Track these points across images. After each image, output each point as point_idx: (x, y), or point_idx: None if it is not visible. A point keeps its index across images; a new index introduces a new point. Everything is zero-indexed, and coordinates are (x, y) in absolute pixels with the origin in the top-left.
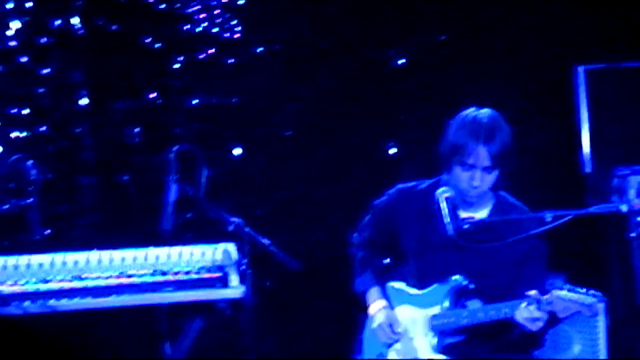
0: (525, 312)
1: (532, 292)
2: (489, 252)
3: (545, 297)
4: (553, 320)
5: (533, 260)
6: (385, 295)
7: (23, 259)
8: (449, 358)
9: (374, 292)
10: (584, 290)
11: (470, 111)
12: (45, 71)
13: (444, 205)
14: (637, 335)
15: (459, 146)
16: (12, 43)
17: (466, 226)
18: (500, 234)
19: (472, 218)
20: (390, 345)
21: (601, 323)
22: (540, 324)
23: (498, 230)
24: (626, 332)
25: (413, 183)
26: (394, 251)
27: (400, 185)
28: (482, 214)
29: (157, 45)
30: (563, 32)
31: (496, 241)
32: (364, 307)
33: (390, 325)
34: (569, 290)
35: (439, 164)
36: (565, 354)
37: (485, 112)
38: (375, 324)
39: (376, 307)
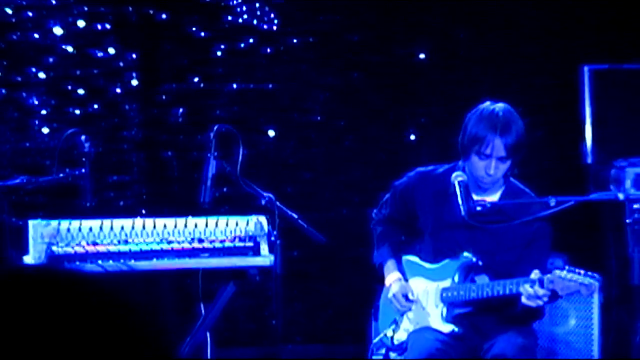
0: (530, 291)
1: (535, 272)
2: (498, 232)
3: (548, 276)
4: (553, 296)
5: (537, 241)
6: (400, 268)
7: (75, 223)
8: (456, 327)
9: (390, 265)
10: (583, 271)
11: (487, 105)
12: (99, 55)
13: (457, 189)
14: (628, 312)
15: (478, 137)
16: (72, 29)
17: (479, 208)
18: (508, 216)
19: (484, 201)
20: (403, 314)
21: (596, 300)
22: (542, 302)
23: (507, 213)
24: (619, 309)
25: (431, 167)
26: (410, 228)
27: (419, 169)
28: (493, 198)
29: (201, 34)
30: (571, 35)
31: (504, 223)
32: (381, 278)
33: (404, 296)
34: (569, 271)
35: (454, 151)
36: (562, 327)
37: (501, 106)
38: (390, 294)
39: (391, 278)
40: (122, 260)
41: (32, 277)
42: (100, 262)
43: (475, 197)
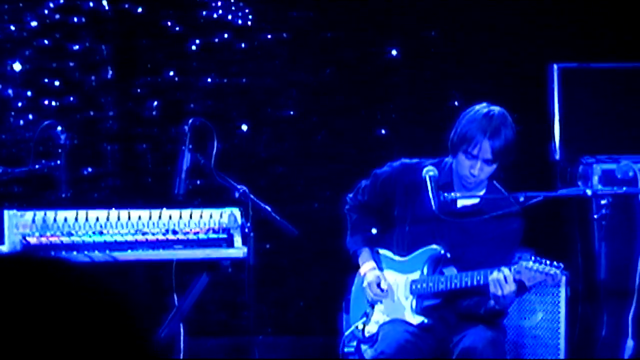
0: (497, 275)
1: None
2: (469, 226)
3: (514, 266)
4: (521, 288)
5: (508, 237)
6: (374, 257)
7: (50, 214)
8: (426, 319)
9: (365, 254)
10: (549, 262)
11: (483, 106)
12: (75, 47)
13: (428, 183)
14: (594, 307)
15: (467, 137)
16: (47, 21)
17: (459, 205)
18: (481, 212)
19: (456, 196)
20: (374, 304)
21: (562, 295)
22: (509, 289)
23: (480, 209)
24: (584, 303)
25: (416, 160)
26: (385, 217)
27: (404, 160)
28: (474, 198)
29: (176, 29)
30: (541, 34)
31: (475, 217)
32: (354, 266)
33: (378, 284)
34: (534, 262)
35: (424, 146)
36: (529, 321)
37: (495, 109)
38: (365, 283)
39: (366, 267)
40: (96, 251)
41: (9, 264)
42: (75, 252)
43: (458, 194)
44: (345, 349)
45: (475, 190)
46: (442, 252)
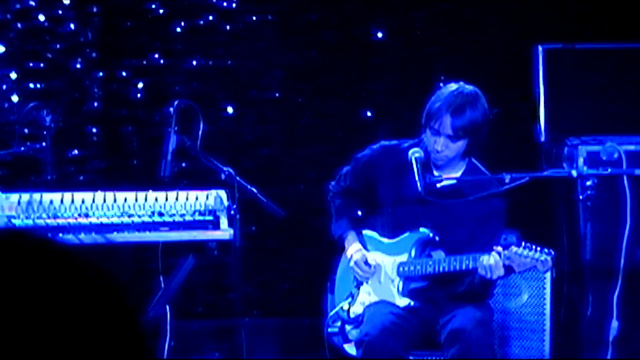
0: (486, 260)
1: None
2: (454, 208)
3: (504, 252)
4: (508, 271)
5: (492, 217)
6: (360, 239)
7: (36, 196)
8: (412, 301)
9: (350, 237)
10: (539, 248)
11: (454, 84)
12: (60, 30)
13: (414, 164)
14: (579, 287)
15: (432, 112)
16: (32, 3)
17: (438, 185)
18: (465, 193)
19: (441, 177)
20: (361, 283)
21: (548, 276)
22: (498, 273)
23: (463, 190)
24: (569, 284)
25: (395, 142)
26: (369, 200)
27: (383, 142)
28: (453, 176)
29: (160, 11)
30: (526, 15)
31: (460, 198)
32: (339, 250)
33: (365, 262)
34: (524, 248)
35: (410, 127)
36: (515, 301)
37: (467, 88)
38: (352, 263)
39: (353, 249)
40: (82, 234)
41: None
42: (60, 234)
43: (435, 173)
44: (329, 329)
45: (450, 168)
46: (431, 235)
